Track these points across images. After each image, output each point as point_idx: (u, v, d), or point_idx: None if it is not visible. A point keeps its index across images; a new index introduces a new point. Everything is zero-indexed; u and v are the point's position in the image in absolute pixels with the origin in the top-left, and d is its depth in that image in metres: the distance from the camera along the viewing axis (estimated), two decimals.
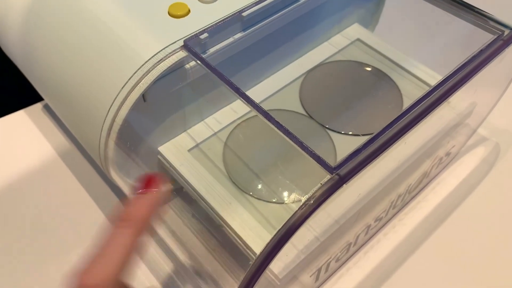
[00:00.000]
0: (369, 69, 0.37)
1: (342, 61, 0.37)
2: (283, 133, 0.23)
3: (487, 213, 0.37)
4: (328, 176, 0.21)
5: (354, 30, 0.40)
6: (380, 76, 0.37)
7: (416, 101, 0.24)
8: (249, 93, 0.35)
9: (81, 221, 0.36)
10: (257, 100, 0.34)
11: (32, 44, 0.32)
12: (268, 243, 0.21)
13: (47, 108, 0.43)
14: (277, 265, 0.27)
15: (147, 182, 0.22)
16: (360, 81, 0.37)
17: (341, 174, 0.21)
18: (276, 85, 0.36)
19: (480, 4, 0.30)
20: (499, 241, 0.35)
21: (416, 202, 0.37)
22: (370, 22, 0.41)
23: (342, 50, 0.38)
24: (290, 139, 0.22)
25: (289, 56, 0.37)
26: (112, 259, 0.20)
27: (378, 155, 0.22)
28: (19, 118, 0.42)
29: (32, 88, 0.38)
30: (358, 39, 0.39)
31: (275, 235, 0.21)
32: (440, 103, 0.25)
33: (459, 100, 0.35)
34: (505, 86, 0.36)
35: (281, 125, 0.23)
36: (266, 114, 0.23)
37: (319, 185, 0.21)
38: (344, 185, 0.21)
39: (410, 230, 0.36)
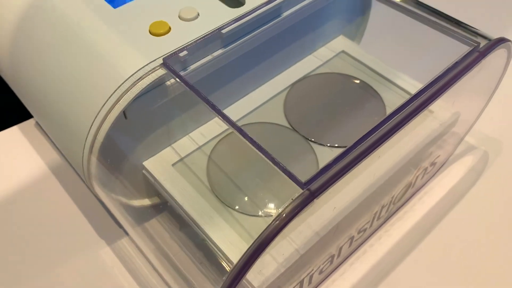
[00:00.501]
0: (353, 80, 0.38)
1: (327, 73, 0.38)
2: (256, 148, 0.23)
3: (475, 222, 0.37)
4: (300, 191, 0.22)
5: (339, 42, 0.40)
6: (364, 87, 0.37)
7: (389, 116, 0.24)
8: (233, 107, 0.36)
9: (71, 234, 0.36)
10: (241, 113, 0.35)
11: (19, 63, 0.33)
12: (242, 256, 0.22)
13: (39, 124, 0.44)
14: (257, 279, 0.27)
15: None
16: (345, 93, 0.37)
17: (312, 189, 0.22)
18: (261, 99, 0.36)
19: (467, 13, 0.31)
20: (487, 250, 0.35)
21: (403, 212, 0.37)
22: (355, 34, 0.42)
23: (327, 62, 0.39)
24: (263, 154, 0.23)
25: (273, 70, 0.37)
26: None
27: (350, 168, 0.22)
28: (13, 134, 0.43)
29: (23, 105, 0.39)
30: (343, 51, 0.40)
31: (249, 248, 0.22)
32: (414, 115, 0.25)
33: (441, 110, 0.35)
34: (489, 95, 0.36)
35: (254, 141, 0.23)
36: (240, 130, 0.24)
37: (290, 200, 0.21)
38: (316, 199, 0.22)
39: (397, 240, 0.36)
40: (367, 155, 0.23)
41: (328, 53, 0.39)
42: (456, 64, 0.27)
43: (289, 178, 0.22)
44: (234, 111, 0.35)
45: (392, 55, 0.41)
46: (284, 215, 0.21)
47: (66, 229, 0.37)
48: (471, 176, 0.40)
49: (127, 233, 0.36)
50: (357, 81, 0.37)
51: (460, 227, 0.37)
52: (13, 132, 0.43)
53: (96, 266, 0.34)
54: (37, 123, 0.44)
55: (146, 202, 0.34)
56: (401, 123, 0.24)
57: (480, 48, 0.28)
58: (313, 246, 0.29)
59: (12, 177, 0.40)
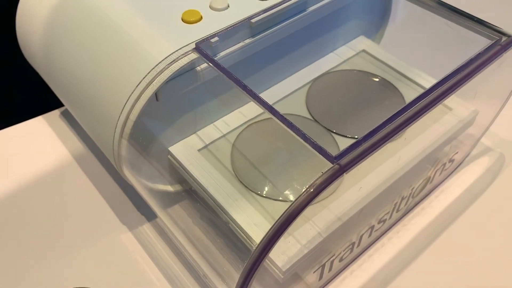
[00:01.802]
0: (374, 78, 0.38)
1: (347, 70, 0.39)
2: (286, 126, 0.24)
3: (491, 221, 0.37)
4: (329, 165, 0.22)
5: (360, 42, 0.41)
6: (384, 84, 0.38)
7: (415, 99, 0.25)
8: None
9: (94, 220, 0.37)
10: None
11: (53, 51, 0.34)
12: (270, 229, 0.22)
13: (64, 114, 0.45)
14: (281, 259, 0.28)
15: None
16: (365, 89, 0.38)
17: (342, 164, 0.22)
18: (283, 92, 0.37)
19: (486, 13, 0.32)
20: (501, 249, 0.35)
21: (421, 208, 0.38)
22: (375, 34, 0.43)
23: (347, 60, 0.40)
24: (294, 131, 0.24)
25: (295, 64, 0.38)
26: None
27: (378, 147, 0.23)
28: (38, 124, 0.44)
29: (49, 96, 0.40)
30: (364, 50, 0.41)
31: (277, 221, 0.22)
32: (439, 101, 0.26)
33: (460, 107, 0.36)
34: (506, 97, 0.37)
35: (285, 119, 0.24)
36: (271, 109, 0.25)
37: (320, 173, 0.22)
38: (345, 174, 0.22)
39: (415, 234, 0.36)
40: (393, 135, 0.24)
41: (348, 52, 0.40)
42: (478, 55, 0.28)
43: (319, 153, 0.23)
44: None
45: (412, 53, 0.42)
46: (312, 189, 0.22)
47: (89, 215, 0.37)
48: (487, 177, 0.40)
49: (148, 219, 0.37)
50: (377, 78, 0.38)
51: (475, 226, 0.37)
52: (38, 122, 0.45)
53: (118, 250, 0.35)
54: (61, 114, 0.45)
55: (169, 188, 0.35)
56: (427, 107, 0.25)
57: (502, 41, 0.29)
58: (335, 231, 0.29)
59: (38, 164, 0.41)
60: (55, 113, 0.45)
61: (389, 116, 0.24)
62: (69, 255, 0.35)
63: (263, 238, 0.22)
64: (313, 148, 0.23)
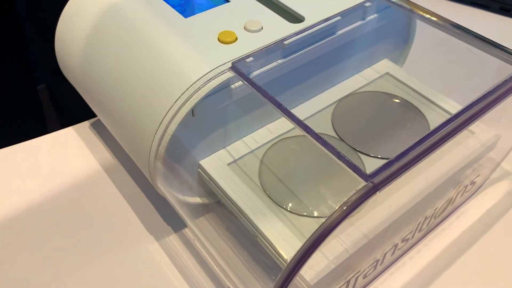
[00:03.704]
0: (398, 100, 0.40)
1: (372, 92, 0.40)
2: (320, 144, 0.25)
3: (510, 244, 0.38)
4: (363, 183, 0.23)
5: (384, 65, 0.43)
6: (408, 107, 0.39)
7: (443, 123, 0.26)
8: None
9: (122, 230, 0.38)
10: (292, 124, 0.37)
11: (93, 66, 0.36)
12: (304, 245, 0.23)
13: (94, 126, 0.46)
14: (309, 273, 0.28)
15: None
16: (390, 111, 0.39)
17: (375, 182, 0.23)
18: (310, 110, 0.38)
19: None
20: None
21: (441, 229, 0.39)
22: (399, 58, 0.44)
23: (372, 82, 0.41)
24: (328, 149, 0.25)
25: (322, 84, 0.39)
26: None
27: (410, 167, 0.24)
28: (68, 134, 0.46)
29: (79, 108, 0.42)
30: (387, 73, 0.42)
31: (310, 237, 0.23)
32: (466, 125, 0.27)
33: (483, 131, 0.37)
34: None
35: (319, 136, 0.25)
36: (305, 127, 0.26)
37: (354, 190, 0.23)
38: (378, 192, 0.23)
39: (435, 255, 0.37)
40: (424, 157, 0.25)
41: (373, 74, 0.42)
42: (504, 82, 0.29)
43: (354, 171, 0.24)
44: (285, 121, 0.37)
45: (434, 77, 0.43)
46: (348, 205, 0.23)
47: (117, 224, 0.38)
48: (507, 200, 0.41)
49: (174, 231, 0.38)
50: (401, 101, 0.39)
51: (495, 248, 0.37)
52: (68, 132, 0.46)
53: (145, 260, 0.36)
54: (91, 125, 0.47)
55: (197, 200, 0.36)
56: (454, 131, 0.26)
57: None
58: (361, 248, 0.30)
59: (67, 174, 0.42)
60: (85, 125, 0.47)
61: (419, 138, 0.25)
62: (97, 264, 0.36)
63: (297, 253, 0.23)
64: (347, 166, 0.24)
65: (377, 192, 0.23)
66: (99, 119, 0.47)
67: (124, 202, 0.40)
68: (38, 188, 0.41)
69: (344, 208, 0.23)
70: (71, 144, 0.45)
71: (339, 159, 0.24)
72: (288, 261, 0.23)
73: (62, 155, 0.44)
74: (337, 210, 0.23)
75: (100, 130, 0.46)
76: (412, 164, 0.24)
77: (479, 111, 0.28)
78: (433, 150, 0.26)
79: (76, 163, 0.43)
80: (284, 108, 0.27)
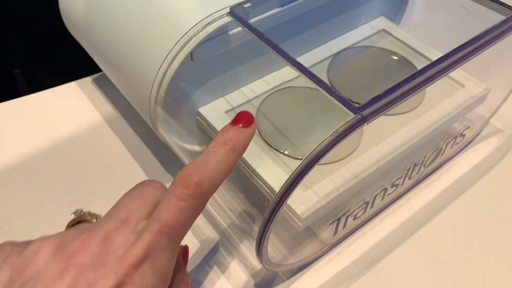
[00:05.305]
0: (392, 55, 0.41)
1: (368, 47, 0.41)
2: (314, 81, 0.26)
3: (496, 197, 0.39)
4: (352, 116, 0.25)
5: (380, 22, 0.43)
6: (403, 61, 0.40)
7: (430, 64, 0.27)
8: (280, 70, 0.39)
9: (123, 177, 0.39)
10: (287, 77, 0.38)
11: (92, 20, 0.37)
12: (294, 171, 0.24)
13: (96, 81, 0.48)
14: (300, 208, 0.30)
15: (243, 118, 0.25)
16: (385, 65, 0.40)
17: (364, 114, 0.24)
18: (306, 64, 0.39)
19: None
20: (505, 224, 0.37)
21: (431, 180, 0.40)
22: (395, 16, 0.45)
23: (368, 38, 0.42)
24: (320, 85, 0.26)
25: (318, 38, 0.40)
26: (214, 169, 0.23)
27: (396, 102, 0.25)
28: (72, 88, 0.47)
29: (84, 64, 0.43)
30: (384, 30, 0.43)
31: (301, 163, 0.24)
32: (453, 67, 0.28)
33: (473, 84, 0.38)
34: None
35: (313, 74, 0.26)
36: (299, 65, 0.27)
37: (344, 122, 0.24)
38: (365, 124, 0.25)
39: (424, 204, 0.38)
40: (412, 93, 0.26)
41: (369, 30, 0.43)
42: (490, 29, 0.30)
43: (343, 104, 0.25)
44: (281, 74, 0.39)
45: (430, 34, 0.44)
46: (337, 134, 0.24)
47: (119, 172, 0.40)
48: (496, 155, 0.42)
49: (173, 177, 0.39)
50: (396, 56, 0.40)
51: (482, 200, 0.39)
52: (71, 87, 0.47)
53: None
54: (93, 80, 0.48)
55: (196, 147, 0.37)
56: (442, 71, 0.27)
57: None
58: (350, 187, 0.31)
59: (72, 125, 0.43)
60: (88, 80, 0.48)
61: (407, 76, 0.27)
62: (99, 209, 0.37)
63: (288, 178, 0.25)
64: (337, 100, 0.25)
65: (365, 123, 0.24)
66: (100, 75, 0.48)
67: (125, 150, 0.41)
68: (41, 138, 0.42)
69: (333, 137, 0.24)
70: (73, 98, 0.46)
71: (330, 94, 0.26)
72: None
73: (65, 108, 0.45)
74: (327, 138, 0.24)
75: (102, 84, 0.47)
76: (398, 100, 0.26)
77: (467, 54, 0.29)
78: (419, 88, 0.27)
79: (78, 115, 0.44)
80: (280, 48, 0.28)
